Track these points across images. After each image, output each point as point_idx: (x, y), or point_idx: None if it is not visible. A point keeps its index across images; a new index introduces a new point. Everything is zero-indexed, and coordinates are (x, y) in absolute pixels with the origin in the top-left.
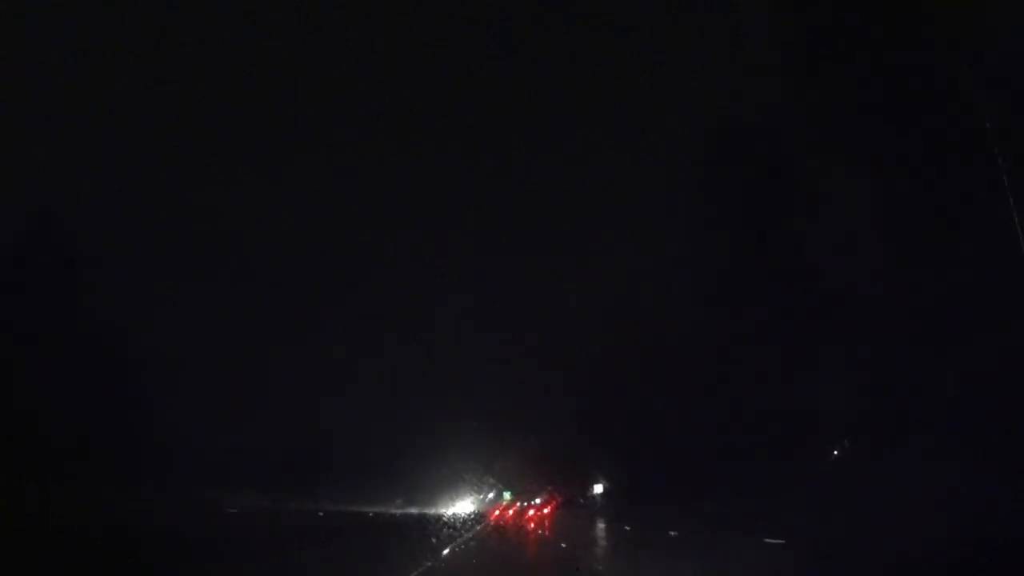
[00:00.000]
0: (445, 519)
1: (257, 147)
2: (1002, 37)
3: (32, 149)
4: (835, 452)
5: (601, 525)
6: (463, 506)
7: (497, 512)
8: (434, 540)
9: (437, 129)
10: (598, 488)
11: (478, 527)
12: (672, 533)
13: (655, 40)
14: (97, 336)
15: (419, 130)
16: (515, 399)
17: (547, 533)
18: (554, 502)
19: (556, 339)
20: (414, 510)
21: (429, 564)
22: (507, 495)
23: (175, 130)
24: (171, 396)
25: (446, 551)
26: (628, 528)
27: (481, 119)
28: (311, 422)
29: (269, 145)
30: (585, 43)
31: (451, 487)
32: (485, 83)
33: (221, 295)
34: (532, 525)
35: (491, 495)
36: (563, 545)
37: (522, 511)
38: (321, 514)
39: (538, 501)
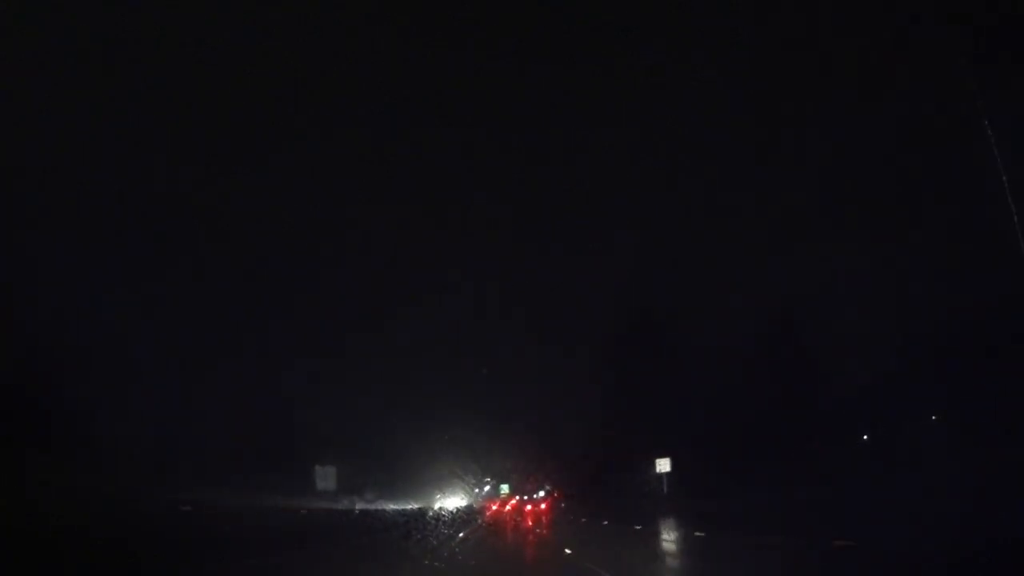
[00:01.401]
0: (429, 517)
1: (257, 147)
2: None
3: (32, 149)
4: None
5: None
6: (452, 502)
7: (494, 507)
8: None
9: (437, 129)
10: (663, 465)
11: (469, 527)
12: None
13: (655, 40)
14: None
15: (419, 130)
16: (516, 396)
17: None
18: (555, 496)
19: (556, 337)
20: (392, 506)
21: None
22: (505, 488)
23: (175, 130)
24: (160, 392)
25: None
26: None
27: (481, 119)
28: (308, 417)
29: (269, 145)
30: (585, 43)
31: (441, 479)
32: (485, 83)
33: (221, 294)
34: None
35: (487, 489)
36: None
37: (521, 510)
38: (303, 512)
39: (541, 494)
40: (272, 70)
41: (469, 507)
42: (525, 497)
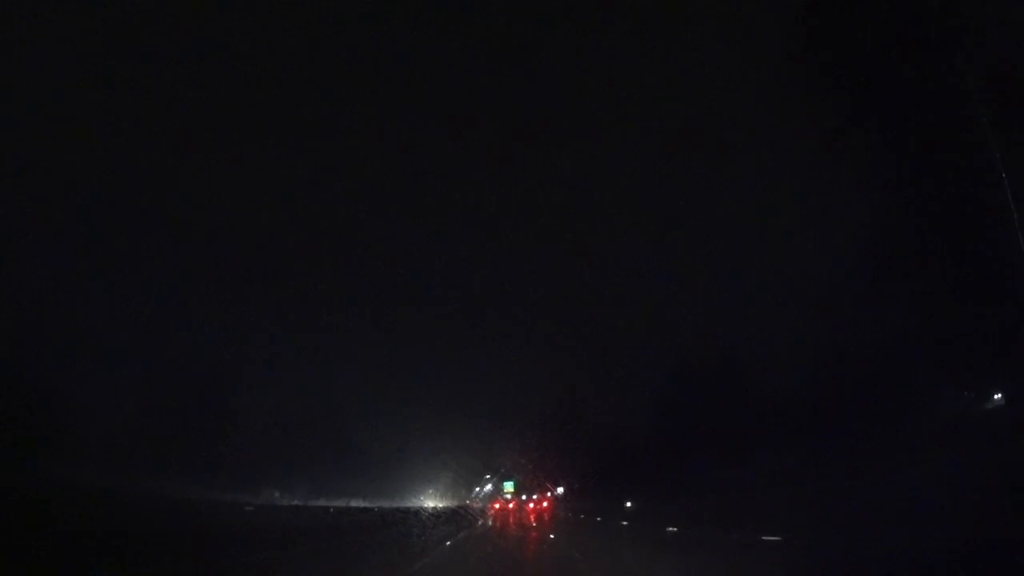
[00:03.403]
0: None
1: (257, 147)
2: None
3: (32, 149)
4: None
5: None
6: (436, 502)
7: (496, 506)
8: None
9: (437, 129)
10: None
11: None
12: None
13: (655, 40)
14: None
15: (419, 130)
16: (516, 394)
17: None
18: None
19: (556, 336)
20: (348, 503)
21: None
22: (508, 486)
23: (175, 129)
24: (158, 391)
25: None
26: None
27: (481, 119)
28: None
29: (269, 145)
30: (585, 43)
31: (428, 475)
32: (485, 83)
33: (219, 293)
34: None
35: (487, 488)
36: None
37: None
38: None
39: (560, 491)
40: (272, 70)
41: (458, 511)
42: (535, 496)
